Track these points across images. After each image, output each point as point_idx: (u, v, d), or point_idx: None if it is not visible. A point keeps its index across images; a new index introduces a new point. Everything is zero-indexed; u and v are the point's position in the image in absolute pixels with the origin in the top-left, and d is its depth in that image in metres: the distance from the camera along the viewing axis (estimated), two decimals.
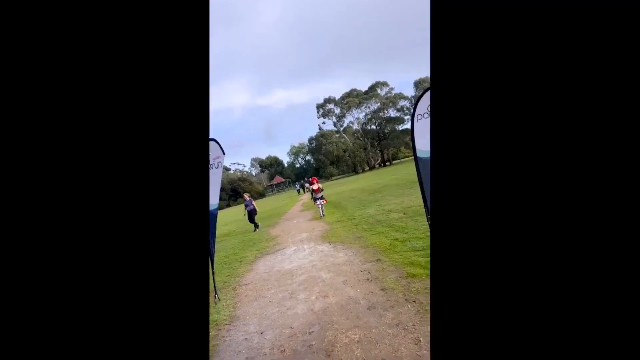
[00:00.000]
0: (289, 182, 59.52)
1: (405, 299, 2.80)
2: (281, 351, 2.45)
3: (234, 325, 3.12)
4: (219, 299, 3.82)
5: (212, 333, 3.02)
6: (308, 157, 64.92)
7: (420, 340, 2.16)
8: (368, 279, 3.50)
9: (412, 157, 3.50)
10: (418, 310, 2.56)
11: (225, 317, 3.35)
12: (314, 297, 3.35)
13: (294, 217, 11.70)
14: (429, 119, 3.72)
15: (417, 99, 3.83)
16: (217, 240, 9.36)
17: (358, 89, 49.32)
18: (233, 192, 47.75)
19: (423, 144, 3.85)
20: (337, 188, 21.60)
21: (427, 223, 4.25)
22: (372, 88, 47.99)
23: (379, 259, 4.09)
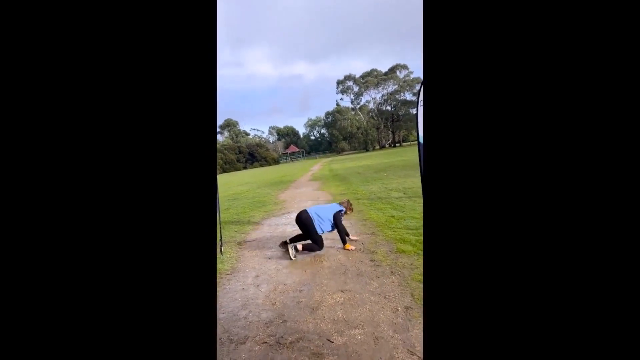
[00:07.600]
0: (302, 153, 59.46)
1: (392, 272, 2.86)
2: (272, 304, 2.57)
3: (234, 276, 3.28)
4: (222, 253, 3.98)
5: None
6: (323, 131, 64.25)
7: (397, 309, 2.23)
8: (361, 250, 3.57)
9: None
10: (400, 283, 2.62)
11: (227, 268, 3.50)
12: (309, 259, 3.46)
13: (301, 185, 11.81)
14: None
15: (421, 85, 3.66)
16: (229, 198, 9.64)
17: (378, 69, 47.57)
18: (250, 155, 48.28)
19: None
20: (346, 163, 21.53)
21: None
22: (392, 70, 46.23)
23: (374, 233, 4.15)
